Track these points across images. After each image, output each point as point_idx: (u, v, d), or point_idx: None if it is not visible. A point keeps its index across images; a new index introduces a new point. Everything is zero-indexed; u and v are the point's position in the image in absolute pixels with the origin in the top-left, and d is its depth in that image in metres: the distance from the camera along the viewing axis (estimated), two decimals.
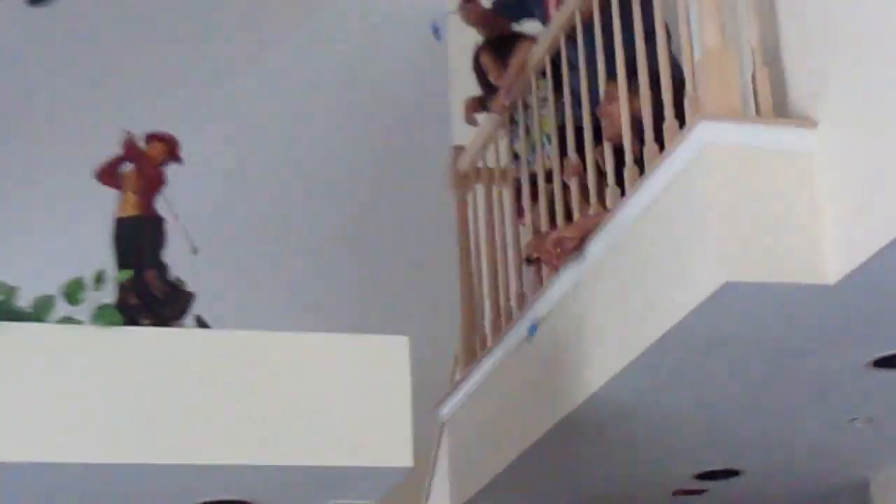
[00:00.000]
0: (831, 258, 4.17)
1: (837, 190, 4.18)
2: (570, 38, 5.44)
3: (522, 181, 5.91)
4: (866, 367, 4.77)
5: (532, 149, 5.86)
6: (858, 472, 5.78)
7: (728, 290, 4.16)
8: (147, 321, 4.63)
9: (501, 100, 5.99)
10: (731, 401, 5.05)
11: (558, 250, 4.91)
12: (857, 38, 4.15)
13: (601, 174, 5.17)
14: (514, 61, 5.93)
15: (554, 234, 4.95)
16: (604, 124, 5.14)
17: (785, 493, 6.05)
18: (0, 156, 7.12)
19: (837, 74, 4.23)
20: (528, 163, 5.89)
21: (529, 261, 5.52)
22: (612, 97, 5.06)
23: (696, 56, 4.49)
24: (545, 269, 5.46)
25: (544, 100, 5.82)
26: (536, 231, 5.58)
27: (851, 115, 4.16)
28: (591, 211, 5.11)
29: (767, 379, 4.88)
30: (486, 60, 6.21)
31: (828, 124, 4.24)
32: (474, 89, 6.38)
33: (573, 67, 5.50)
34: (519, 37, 6.10)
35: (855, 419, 5.22)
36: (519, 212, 5.99)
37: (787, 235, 4.20)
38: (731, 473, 5.76)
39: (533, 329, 5.32)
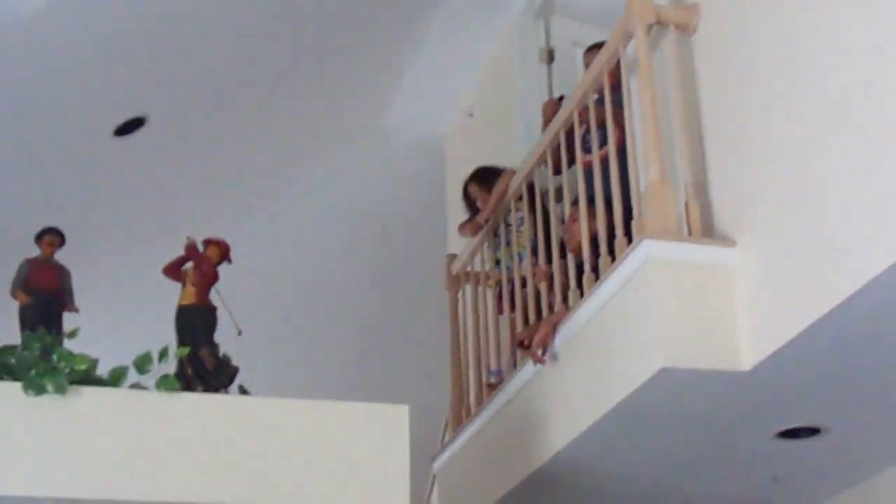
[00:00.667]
0: (746, 350, 4.18)
1: (752, 296, 4.19)
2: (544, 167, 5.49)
3: (503, 284, 5.92)
4: (773, 438, 4.77)
5: (511, 258, 5.88)
6: None
7: (664, 374, 4.17)
8: (200, 389, 4.61)
9: (482, 218, 6.04)
10: (669, 462, 5.03)
11: (541, 350, 4.91)
12: (768, 181, 4.19)
13: (566, 279, 5.18)
14: (495, 190, 5.98)
15: (538, 338, 4.94)
16: (566, 239, 5.16)
17: None
18: (94, 254, 7.13)
19: (752, 206, 4.27)
20: (507, 269, 5.91)
21: (521, 344, 5.51)
22: (574, 217, 5.08)
23: (642, 187, 4.52)
24: (518, 353, 5.46)
25: (522, 219, 5.85)
26: (519, 324, 5.56)
27: (763, 237, 4.19)
28: (556, 308, 5.11)
29: (697, 445, 4.87)
30: (474, 189, 6.25)
31: (745, 244, 4.26)
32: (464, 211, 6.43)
33: (544, 194, 5.55)
34: (500, 170, 6.13)
35: (776, 479, 5.19)
36: (499, 308, 6.01)
37: (711, 331, 4.21)
38: None
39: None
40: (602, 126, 5.06)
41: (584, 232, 4.90)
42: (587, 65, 5.77)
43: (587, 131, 5.18)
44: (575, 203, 5.10)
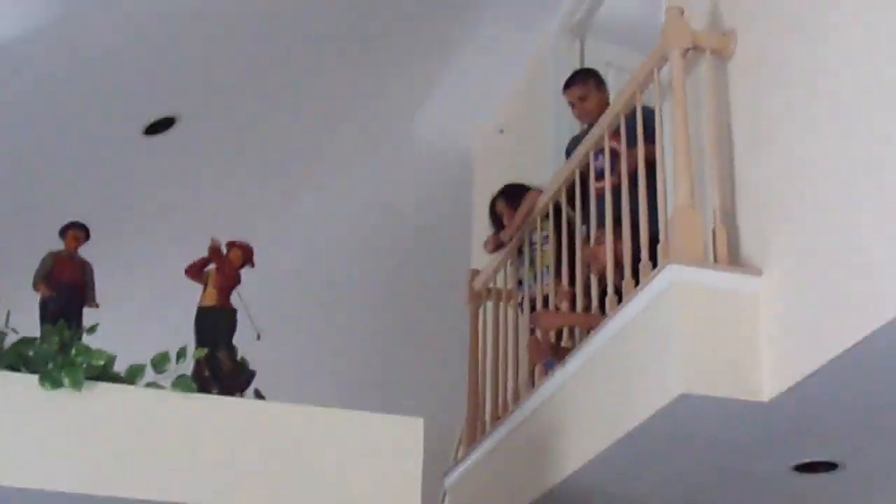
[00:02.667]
0: (766, 381, 4.15)
1: (775, 326, 4.16)
2: (570, 191, 5.47)
3: (525, 304, 5.90)
4: (790, 471, 4.73)
5: (534, 277, 5.86)
6: None
7: (683, 400, 4.14)
8: (216, 391, 4.60)
9: (506, 235, 6.03)
10: (683, 488, 4.99)
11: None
12: (797, 211, 4.17)
13: (588, 300, 5.17)
14: (523, 208, 5.96)
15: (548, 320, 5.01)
16: (592, 262, 5.14)
17: None
18: (117, 251, 7.15)
19: (779, 236, 4.24)
20: (530, 287, 5.89)
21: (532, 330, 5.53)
22: (599, 241, 5.07)
23: (670, 212, 4.50)
24: (538, 372, 5.44)
25: (546, 237, 5.83)
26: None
27: (789, 268, 4.16)
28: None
29: (712, 473, 4.83)
30: (501, 206, 6.23)
31: (770, 273, 4.24)
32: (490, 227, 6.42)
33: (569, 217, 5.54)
34: (527, 188, 6.12)
35: None
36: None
37: (732, 359, 4.18)
38: None
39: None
40: (615, 153, 5.06)
41: (609, 255, 4.88)
42: (570, 103, 5.89)
43: (600, 154, 5.20)
44: (601, 226, 5.08)
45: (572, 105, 5.94)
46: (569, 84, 5.99)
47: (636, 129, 4.84)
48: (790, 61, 4.34)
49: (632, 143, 4.89)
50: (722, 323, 4.20)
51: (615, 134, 5.08)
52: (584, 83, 5.92)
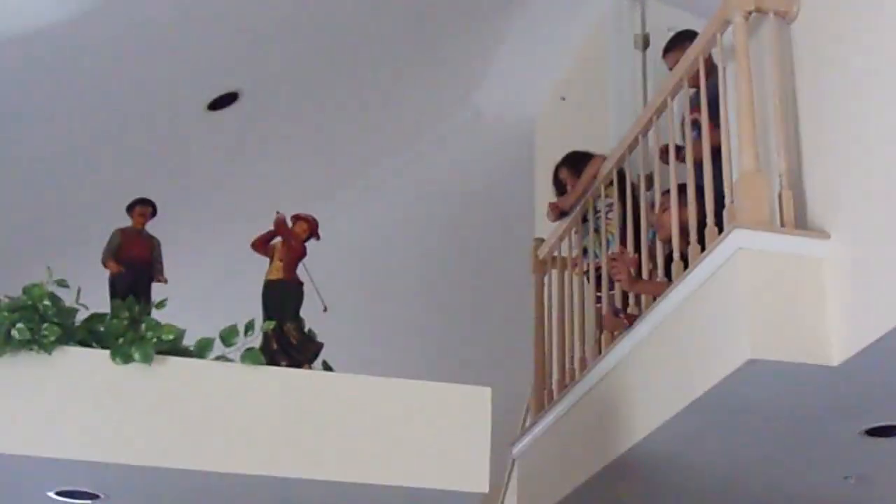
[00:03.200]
0: (835, 345, 4.11)
1: (842, 290, 4.12)
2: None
3: (590, 272, 5.88)
4: (860, 435, 4.69)
5: (599, 245, 5.84)
6: None
7: (751, 366, 4.11)
8: (284, 363, 4.63)
9: (567, 203, 6.01)
10: (750, 455, 4.97)
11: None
12: (864, 174, 4.11)
13: (653, 266, 5.15)
14: (586, 175, 5.94)
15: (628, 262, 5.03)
16: (657, 229, 5.12)
17: None
18: (184, 226, 7.21)
19: (847, 198, 4.19)
20: (595, 256, 5.87)
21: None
22: (665, 207, 5.04)
23: (735, 176, 4.47)
24: (605, 339, 5.43)
25: (610, 205, 5.81)
26: (605, 309, 5.54)
27: (857, 231, 4.11)
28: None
29: (780, 439, 4.80)
30: (564, 174, 6.22)
31: (838, 237, 4.19)
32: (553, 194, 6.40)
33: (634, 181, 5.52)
34: (591, 156, 6.09)
35: (848, 477, 5.12)
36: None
37: (800, 324, 4.15)
38: None
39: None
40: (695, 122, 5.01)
41: (674, 221, 4.86)
42: (669, 66, 5.74)
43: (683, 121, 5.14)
44: (666, 193, 5.05)
45: (671, 70, 5.86)
46: (668, 48, 5.91)
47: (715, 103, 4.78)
48: (855, 21, 4.28)
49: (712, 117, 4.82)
50: (789, 287, 4.17)
51: (696, 107, 5.04)
52: (683, 49, 5.85)
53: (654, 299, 4.83)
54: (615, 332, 5.26)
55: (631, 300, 5.34)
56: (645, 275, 5.17)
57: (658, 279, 5.02)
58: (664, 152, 5.14)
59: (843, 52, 4.32)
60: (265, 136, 7.53)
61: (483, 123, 8.18)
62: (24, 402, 3.97)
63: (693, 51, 4.96)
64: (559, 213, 6.16)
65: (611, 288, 5.57)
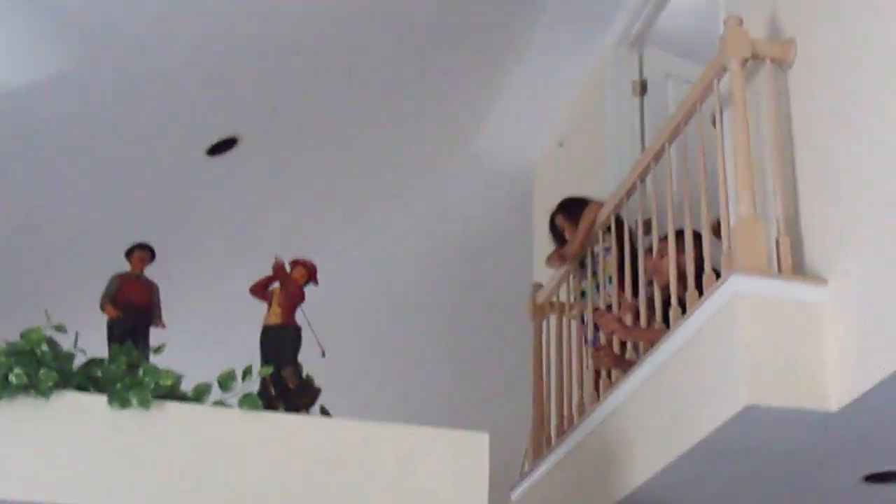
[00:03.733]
0: (833, 390, 4.11)
1: (842, 336, 4.12)
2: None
3: (587, 314, 5.89)
4: (859, 482, 4.68)
5: (596, 288, 5.85)
6: None
7: (749, 412, 4.11)
8: (282, 409, 4.62)
9: (569, 252, 6.02)
10: (749, 501, 4.95)
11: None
12: (861, 219, 4.13)
13: (651, 312, 5.15)
14: (585, 222, 5.95)
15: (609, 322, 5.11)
16: (654, 274, 5.13)
17: None
18: (183, 271, 7.22)
19: (845, 244, 4.20)
20: (593, 298, 5.88)
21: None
22: (662, 253, 5.05)
23: (732, 222, 4.47)
24: (602, 385, 5.43)
25: (608, 249, 5.82)
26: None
27: (855, 277, 4.12)
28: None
29: (779, 485, 4.79)
30: (560, 220, 6.23)
31: (835, 283, 4.20)
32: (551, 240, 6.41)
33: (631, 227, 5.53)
34: (587, 202, 6.11)
35: None
36: (583, 337, 5.97)
37: (798, 370, 4.15)
38: None
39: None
40: None
41: (671, 266, 4.86)
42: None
43: None
44: (664, 239, 5.06)
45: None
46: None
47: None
48: (851, 68, 4.31)
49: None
50: (787, 333, 4.17)
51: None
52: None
53: (652, 346, 4.83)
54: (603, 367, 5.31)
55: (629, 347, 5.35)
56: (643, 321, 5.18)
57: (656, 325, 5.02)
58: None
59: (840, 99, 4.35)
60: (264, 180, 7.55)
61: (482, 169, 8.20)
62: (21, 447, 3.95)
63: (690, 96, 4.99)
64: (561, 260, 6.16)
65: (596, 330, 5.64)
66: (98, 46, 5.73)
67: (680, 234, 4.90)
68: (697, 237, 4.76)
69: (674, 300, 4.79)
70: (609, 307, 5.59)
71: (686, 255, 4.78)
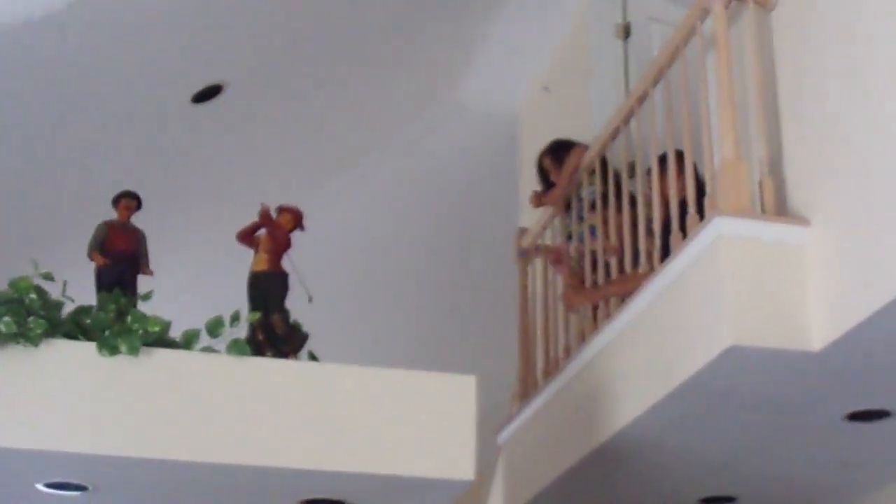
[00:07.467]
0: (816, 330, 4.14)
1: (823, 276, 4.15)
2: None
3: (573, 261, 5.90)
4: (842, 420, 4.72)
5: (581, 234, 5.85)
6: (837, 501, 5.67)
7: (733, 352, 4.14)
8: (270, 354, 4.64)
9: (553, 197, 6.02)
10: (732, 441, 5.00)
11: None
12: (844, 160, 4.14)
13: (636, 256, 5.16)
14: (569, 165, 5.95)
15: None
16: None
17: None
18: (169, 219, 7.20)
19: (827, 185, 4.22)
20: (580, 242, 5.88)
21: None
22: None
23: (716, 164, 4.48)
24: (587, 328, 5.45)
25: (594, 194, 5.82)
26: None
27: (837, 217, 4.13)
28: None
29: (762, 425, 4.83)
30: (547, 163, 6.22)
31: (818, 223, 4.21)
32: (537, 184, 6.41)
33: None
34: (574, 144, 6.10)
35: (832, 461, 5.15)
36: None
37: (781, 310, 4.17)
38: (729, 499, 5.68)
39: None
40: None
41: (656, 210, 4.87)
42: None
43: None
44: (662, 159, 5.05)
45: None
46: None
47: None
48: (835, 10, 4.30)
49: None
50: (770, 274, 4.19)
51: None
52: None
53: (627, 294, 4.86)
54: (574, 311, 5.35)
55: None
56: (628, 264, 5.18)
57: (641, 270, 5.03)
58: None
59: (823, 41, 4.34)
60: (249, 127, 7.52)
61: (467, 114, 8.17)
62: (12, 395, 3.97)
63: (674, 39, 4.98)
64: (540, 202, 6.17)
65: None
66: None
67: (679, 156, 4.88)
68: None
69: (657, 241, 4.80)
70: (594, 256, 5.60)
71: (669, 181, 4.78)
